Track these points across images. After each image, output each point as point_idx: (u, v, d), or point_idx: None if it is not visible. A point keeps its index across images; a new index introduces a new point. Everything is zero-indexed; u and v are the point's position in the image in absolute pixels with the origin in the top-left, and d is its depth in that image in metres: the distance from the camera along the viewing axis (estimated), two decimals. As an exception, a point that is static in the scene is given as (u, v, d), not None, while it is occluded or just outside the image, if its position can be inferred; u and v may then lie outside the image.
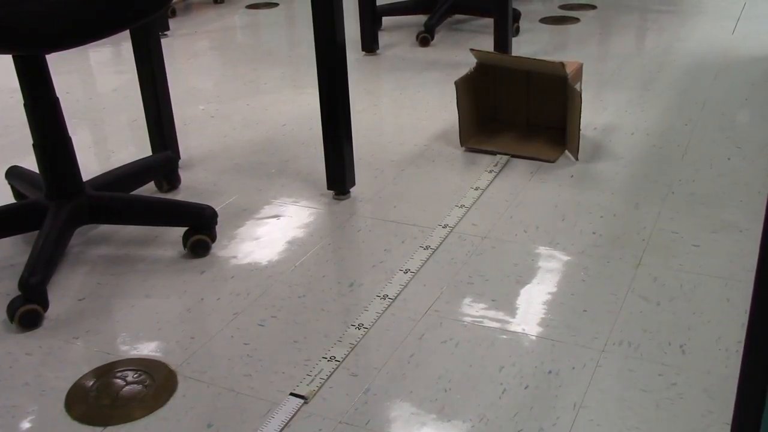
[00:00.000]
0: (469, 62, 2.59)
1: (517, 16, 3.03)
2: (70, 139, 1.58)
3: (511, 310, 1.41)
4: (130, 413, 1.22)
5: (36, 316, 1.44)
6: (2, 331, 1.43)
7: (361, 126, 2.24)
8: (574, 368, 1.26)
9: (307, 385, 1.25)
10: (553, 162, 1.95)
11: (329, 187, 1.84)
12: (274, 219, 1.77)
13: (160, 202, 1.73)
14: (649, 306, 1.41)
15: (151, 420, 1.21)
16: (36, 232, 1.55)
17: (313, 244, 1.66)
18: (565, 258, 1.56)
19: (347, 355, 1.32)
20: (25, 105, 1.54)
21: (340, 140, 1.77)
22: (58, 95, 1.55)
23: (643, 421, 1.15)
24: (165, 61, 1.96)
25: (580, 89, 2.01)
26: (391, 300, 1.45)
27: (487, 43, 2.87)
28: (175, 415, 1.21)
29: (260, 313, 1.44)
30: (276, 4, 3.63)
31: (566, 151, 2.00)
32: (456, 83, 1.99)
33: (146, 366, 1.32)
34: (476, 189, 1.84)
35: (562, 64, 1.91)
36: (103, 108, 2.48)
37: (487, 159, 1.99)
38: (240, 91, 2.56)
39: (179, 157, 2.05)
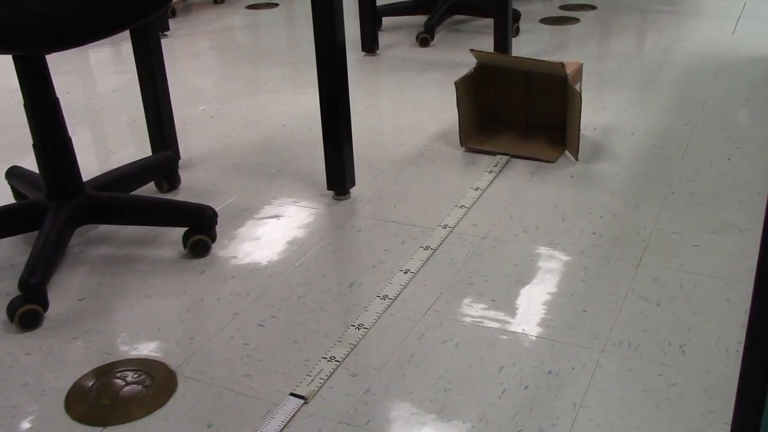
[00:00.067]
0: (469, 62, 2.59)
1: (517, 16, 3.03)
2: (70, 139, 1.58)
3: (511, 311, 1.41)
4: (130, 413, 1.22)
5: (36, 316, 1.44)
6: (2, 331, 1.43)
7: (361, 126, 2.24)
8: (574, 368, 1.26)
9: (307, 385, 1.25)
10: (553, 162, 1.95)
11: (329, 188, 1.84)
12: (274, 219, 1.77)
13: (160, 202, 1.73)
14: (649, 306, 1.41)
15: (151, 420, 1.21)
16: (36, 232, 1.55)
17: (313, 244, 1.66)
18: (565, 258, 1.56)
19: (347, 355, 1.32)
20: (25, 105, 1.54)
21: (340, 140, 1.77)
22: (58, 95, 1.55)
23: (643, 421, 1.15)
24: (165, 61, 1.96)
25: (580, 89, 2.01)
26: (391, 300, 1.45)
27: (487, 44, 2.87)
28: (175, 415, 1.21)
29: (260, 313, 1.44)
30: (276, 4, 3.63)
31: (566, 152, 2.00)
32: (456, 83, 1.99)
33: (146, 366, 1.32)
34: (476, 189, 1.84)
35: (562, 65, 1.91)
36: (103, 108, 2.48)
37: (487, 159, 1.99)
38: (240, 91, 2.56)
39: (179, 157, 2.05)
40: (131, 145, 2.20)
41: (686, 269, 1.51)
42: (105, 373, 1.31)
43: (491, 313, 1.41)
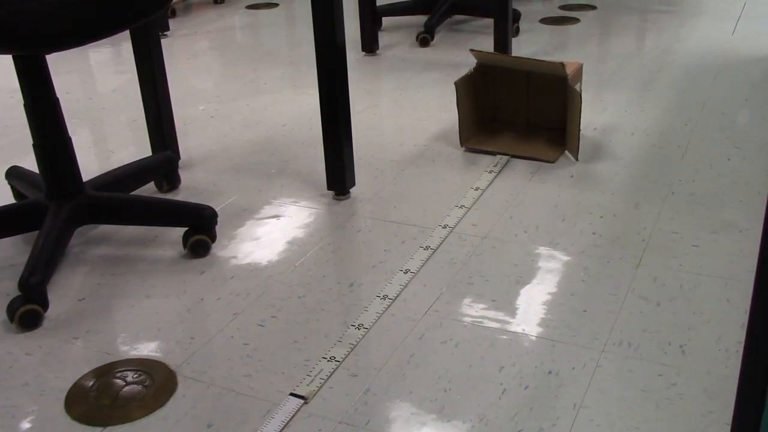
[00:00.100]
0: (469, 62, 2.59)
1: (517, 16, 3.03)
2: (70, 139, 1.58)
3: (511, 311, 1.41)
4: (130, 413, 1.22)
5: (36, 316, 1.44)
6: (2, 331, 1.43)
7: (361, 126, 2.24)
8: (574, 368, 1.26)
9: (307, 385, 1.25)
10: (553, 162, 1.95)
11: (329, 188, 1.84)
12: (274, 219, 1.77)
13: (160, 202, 1.73)
14: (649, 306, 1.41)
15: (151, 420, 1.21)
16: (36, 232, 1.55)
17: (313, 244, 1.66)
18: (565, 258, 1.56)
19: (347, 355, 1.32)
20: (25, 105, 1.54)
21: (340, 140, 1.77)
22: (58, 95, 1.55)
23: (643, 421, 1.15)
24: (165, 61, 1.96)
25: (580, 89, 2.01)
26: (391, 300, 1.45)
27: (487, 44, 2.87)
28: (175, 415, 1.21)
29: (260, 313, 1.44)
30: (276, 4, 3.63)
31: (566, 152, 2.00)
32: (456, 83, 1.99)
33: (146, 366, 1.32)
34: (476, 189, 1.84)
35: (562, 65, 1.91)
36: (103, 108, 2.48)
37: (487, 159, 1.99)
38: (240, 91, 2.56)
39: (179, 157, 2.05)
40: (131, 145, 2.20)
41: (686, 269, 1.51)
42: (105, 373, 1.31)
43: (491, 313, 1.41)
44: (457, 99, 2.00)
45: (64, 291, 1.54)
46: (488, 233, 1.66)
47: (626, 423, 1.15)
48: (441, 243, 1.63)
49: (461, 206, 1.77)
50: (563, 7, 3.33)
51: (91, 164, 2.08)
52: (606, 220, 1.69)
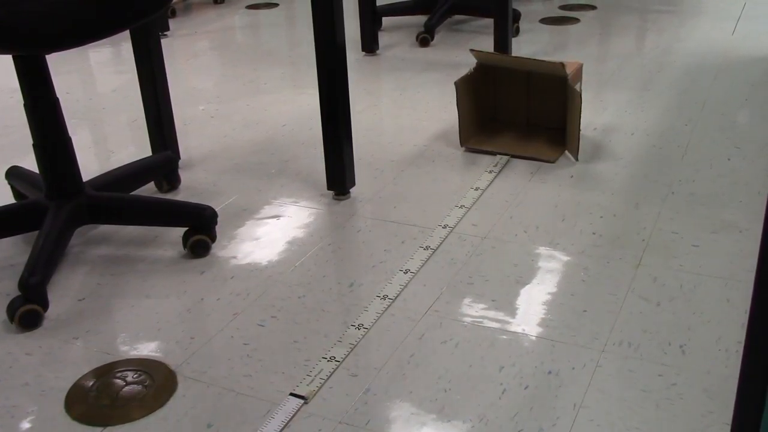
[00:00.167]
0: (469, 62, 2.59)
1: (517, 16, 3.03)
2: (70, 139, 1.58)
3: (511, 311, 1.41)
4: (129, 413, 1.22)
5: (36, 316, 1.44)
6: (2, 331, 1.43)
7: (361, 126, 2.24)
8: (574, 368, 1.26)
9: (307, 385, 1.25)
10: (553, 162, 1.95)
11: (329, 188, 1.84)
12: (274, 219, 1.77)
13: (160, 202, 1.73)
14: (649, 306, 1.41)
15: (151, 420, 1.21)
16: (36, 232, 1.55)
17: (313, 244, 1.66)
18: (565, 258, 1.56)
19: (347, 356, 1.32)
20: (25, 105, 1.54)
21: (340, 140, 1.77)
22: (58, 95, 1.55)
23: (643, 421, 1.15)
24: (165, 61, 1.96)
25: (580, 89, 2.01)
26: (391, 300, 1.45)
27: (487, 44, 2.87)
28: (175, 415, 1.21)
29: (260, 313, 1.44)
30: (276, 4, 3.63)
31: (566, 152, 2.00)
32: (456, 83, 1.99)
33: (146, 366, 1.32)
34: (476, 189, 1.84)
35: (562, 65, 1.91)
36: (103, 108, 2.48)
37: (487, 159, 1.99)
38: (240, 91, 2.56)
39: (179, 157, 2.05)
40: (131, 145, 2.20)
41: (686, 269, 1.51)
42: (105, 373, 1.31)
43: (491, 313, 1.41)
44: (457, 99, 2.00)
45: (64, 291, 1.54)
46: (488, 233, 1.66)
47: (626, 423, 1.15)
48: (441, 243, 1.63)
49: (461, 206, 1.77)
50: (563, 7, 3.33)
51: (91, 164, 2.08)
52: (606, 220, 1.69)
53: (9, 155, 2.16)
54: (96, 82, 2.71)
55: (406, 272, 1.54)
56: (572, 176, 1.88)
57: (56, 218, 1.55)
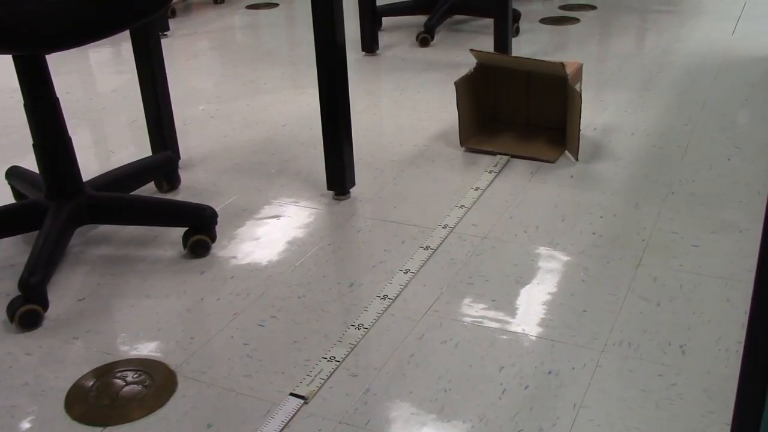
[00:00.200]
0: (469, 62, 2.59)
1: (517, 16, 3.03)
2: (70, 139, 1.58)
3: (511, 311, 1.41)
4: (129, 413, 1.22)
5: (36, 316, 1.44)
6: (2, 331, 1.43)
7: (361, 126, 2.24)
8: (574, 368, 1.26)
9: (307, 385, 1.25)
10: (553, 162, 1.95)
11: (329, 188, 1.84)
12: (274, 219, 1.77)
13: (160, 202, 1.73)
14: (649, 306, 1.41)
15: (151, 420, 1.21)
16: (36, 232, 1.55)
17: (313, 244, 1.66)
18: (565, 258, 1.56)
19: (347, 356, 1.32)
20: (25, 105, 1.54)
21: (340, 140, 1.77)
22: (58, 95, 1.55)
23: (643, 421, 1.15)
24: (165, 61, 1.96)
25: (580, 89, 2.01)
26: (391, 300, 1.45)
27: (487, 44, 2.87)
28: (175, 415, 1.21)
29: (260, 313, 1.44)
30: (276, 4, 3.63)
31: (566, 152, 2.00)
32: (456, 83, 1.99)
33: (146, 366, 1.32)
34: (476, 189, 1.84)
35: (562, 65, 1.91)
36: (103, 108, 2.48)
37: (487, 159, 1.99)
38: (240, 91, 2.56)
39: (179, 157, 2.05)
40: (131, 145, 2.20)
41: (686, 269, 1.51)
42: (105, 373, 1.31)
43: (491, 313, 1.41)
44: (457, 99, 2.00)
45: (64, 291, 1.54)
46: (488, 233, 1.66)
47: (626, 423, 1.15)
48: (441, 243, 1.63)
49: (461, 206, 1.77)
50: (563, 7, 3.33)
51: (91, 164, 2.08)
52: (606, 220, 1.69)
53: (9, 155, 2.16)
54: (96, 82, 2.71)
55: (406, 272, 1.54)
56: (572, 176, 1.88)
57: (56, 218, 1.55)
